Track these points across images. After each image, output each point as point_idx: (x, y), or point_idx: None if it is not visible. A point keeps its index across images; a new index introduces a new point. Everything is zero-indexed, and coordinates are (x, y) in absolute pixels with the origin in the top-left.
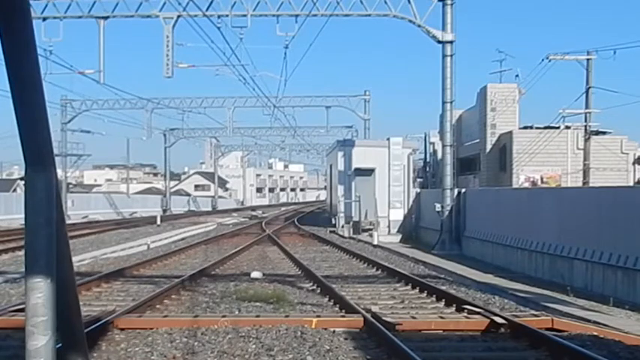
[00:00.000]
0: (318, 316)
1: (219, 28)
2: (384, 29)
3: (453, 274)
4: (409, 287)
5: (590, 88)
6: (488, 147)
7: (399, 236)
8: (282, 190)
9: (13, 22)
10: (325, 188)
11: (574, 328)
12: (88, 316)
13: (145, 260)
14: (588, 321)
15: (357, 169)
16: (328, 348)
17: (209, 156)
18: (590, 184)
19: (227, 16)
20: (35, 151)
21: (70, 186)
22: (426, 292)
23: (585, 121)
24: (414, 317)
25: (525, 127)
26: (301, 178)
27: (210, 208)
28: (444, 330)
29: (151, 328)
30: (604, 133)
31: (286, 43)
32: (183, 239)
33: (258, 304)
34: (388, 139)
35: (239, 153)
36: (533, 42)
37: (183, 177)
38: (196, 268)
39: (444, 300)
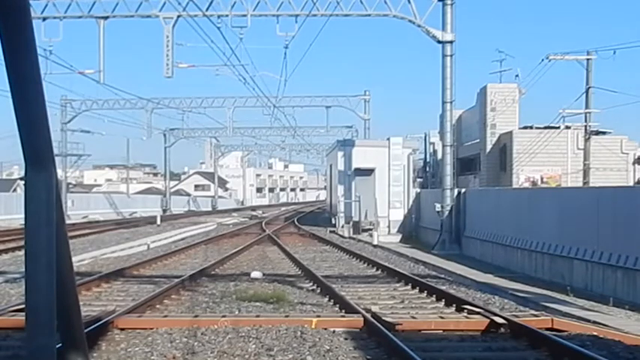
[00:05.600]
0: (318, 316)
1: (219, 28)
2: (384, 29)
3: (452, 274)
4: (409, 287)
5: (590, 88)
6: (489, 147)
7: (399, 236)
8: (282, 190)
9: (13, 22)
10: (325, 188)
11: (574, 328)
12: (88, 316)
13: (144, 260)
14: (588, 321)
15: (357, 169)
16: (328, 348)
17: (209, 156)
18: (590, 184)
19: (227, 16)
20: (35, 151)
21: (70, 186)
22: (425, 292)
23: (585, 121)
24: (414, 317)
25: (525, 127)
26: (301, 178)
27: (210, 208)
28: (444, 330)
29: (151, 328)
30: (604, 133)
31: (286, 43)
32: (183, 239)
33: (258, 304)
34: (388, 139)
35: (239, 153)
36: (533, 42)
37: (183, 177)
38: (196, 268)
39: (443, 300)
